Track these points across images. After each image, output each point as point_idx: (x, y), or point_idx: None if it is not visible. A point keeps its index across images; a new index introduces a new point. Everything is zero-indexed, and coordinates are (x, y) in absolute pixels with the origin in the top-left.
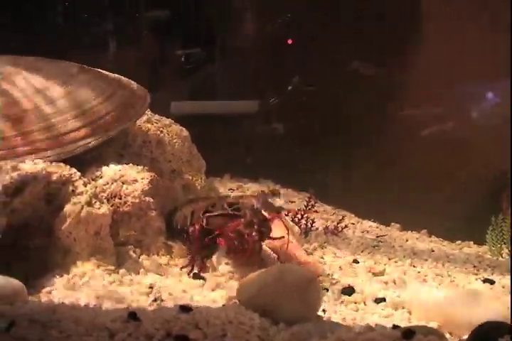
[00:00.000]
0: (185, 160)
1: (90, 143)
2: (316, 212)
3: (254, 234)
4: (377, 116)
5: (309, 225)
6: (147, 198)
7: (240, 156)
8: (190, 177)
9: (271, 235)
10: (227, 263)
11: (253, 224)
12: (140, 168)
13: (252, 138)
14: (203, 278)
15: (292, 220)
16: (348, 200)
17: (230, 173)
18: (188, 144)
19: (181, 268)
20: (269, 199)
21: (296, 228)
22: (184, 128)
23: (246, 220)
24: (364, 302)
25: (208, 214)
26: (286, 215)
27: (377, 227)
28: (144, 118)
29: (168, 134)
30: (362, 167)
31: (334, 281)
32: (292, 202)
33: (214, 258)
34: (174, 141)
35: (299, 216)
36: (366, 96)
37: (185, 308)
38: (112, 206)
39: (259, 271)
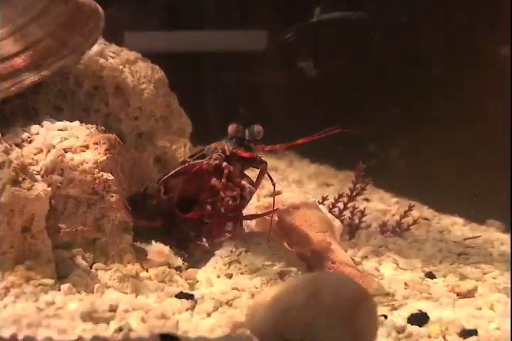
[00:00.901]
0: (160, 118)
1: (10, 88)
2: (367, 200)
3: (225, 183)
4: (457, 54)
5: (357, 220)
6: (104, 174)
7: (244, 114)
8: (168, 145)
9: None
10: (229, 276)
11: (222, 170)
12: (92, 127)
13: (259, 87)
14: (192, 297)
15: (330, 211)
16: (418, 184)
17: None
18: (165, 92)
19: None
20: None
21: (337, 223)
22: (157, 67)
23: (209, 163)
24: (444, 337)
25: (163, 178)
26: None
27: (464, 225)
28: (95, 49)
29: (133, 76)
30: (437, 132)
31: (397, 304)
32: (329, 185)
33: (208, 266)
34: (142, 86)
35: (341, 205)
36: (437, 22)
37: (168, 338)
38: (49, 186)
39: (279, 284)
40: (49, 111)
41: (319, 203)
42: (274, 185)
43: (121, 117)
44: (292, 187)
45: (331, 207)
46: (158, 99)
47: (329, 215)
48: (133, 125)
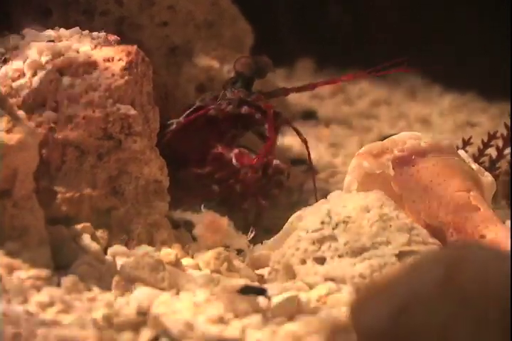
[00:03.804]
0: (204, 23)
1: None
2: None
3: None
4: None
5: None
6: (122, 107)
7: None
8: (217, 64)
9: None
10: (321, 260)
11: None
12: (100, 36)
13: None
14: (264, 293)
15: (477, 161)
16: None
17: (312, 56)
18: None
19: None
20: None
21: (488, 178)
22: None
23: (220, 109)
24: None
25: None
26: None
27: None
28: None
29: None
30: None
31: None
32: (474, 125)
33: (286, 245)
34: None
35: (493, 152)
36: None
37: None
38: (38, 126)
39: (398, 265)
40: (30, 14)
41: (459, 149)
42: (304, 141)
43: (143, 22)
44: (415, 128)
45: (477, 155)
46: None
47: (474, 166)
48: (161, 34)
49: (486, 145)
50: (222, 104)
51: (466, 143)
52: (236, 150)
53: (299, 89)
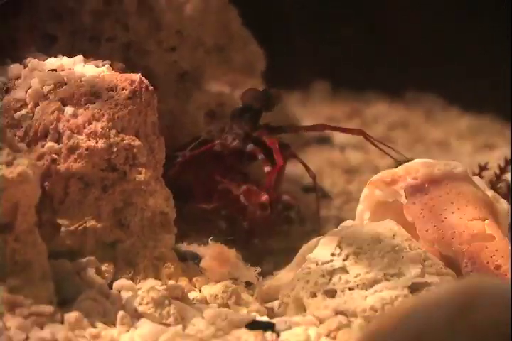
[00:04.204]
0: (214, 47)
1: None
2: None
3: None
4: None
5: None
6: (126, 138)
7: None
8: (228, 89)
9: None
10: (331, 294)
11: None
12: (104, 64)
13: None
14: (273, 328)
15: (494, 187)
16: None
17: (327, 79)
18: (220, 5)
19: None
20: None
21: (504, 205)
22: None
23: (224, 144)
24: None
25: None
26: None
27: None
28: None
29: None
30: None
31: None
32: (493, 147)
33: (295, 279)
34: None
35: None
36: None
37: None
38: (39, 159)
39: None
40: (35, 41)
41: (475, 175)
42: (313, 177)
43: (150, 48)
44: (433, 152)
45: (494, 180)
46: (209, 18)
47: (490, 193)
48: (169, 60)
49: (503, 170)
50: (227, 139)
51: (482, 169)
52: (244, 187)
53: (308, 129)
